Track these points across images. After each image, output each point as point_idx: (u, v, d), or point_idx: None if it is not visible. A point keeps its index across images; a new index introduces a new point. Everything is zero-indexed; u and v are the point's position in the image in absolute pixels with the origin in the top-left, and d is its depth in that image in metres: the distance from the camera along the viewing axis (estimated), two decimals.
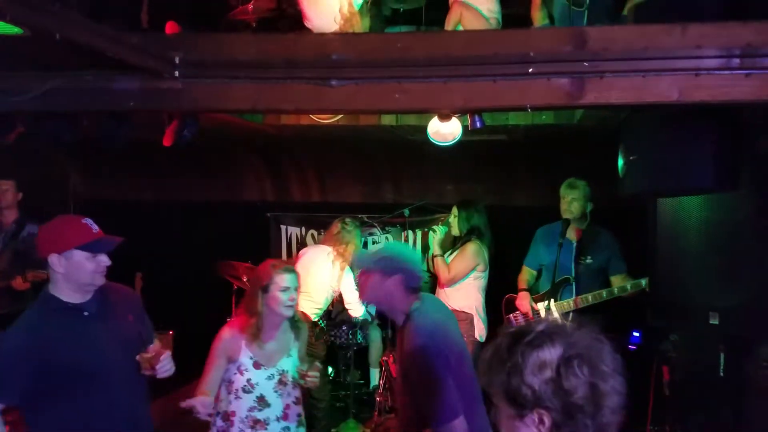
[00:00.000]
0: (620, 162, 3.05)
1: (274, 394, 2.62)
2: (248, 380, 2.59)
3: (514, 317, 4.06)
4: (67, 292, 2.13)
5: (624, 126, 3.06)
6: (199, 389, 2.58)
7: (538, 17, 3.57)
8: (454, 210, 4.31)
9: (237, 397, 2.60)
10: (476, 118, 2.89)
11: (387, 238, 5.56)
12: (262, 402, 2.60)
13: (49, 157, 5.47)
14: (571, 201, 3.81)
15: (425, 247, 5.55)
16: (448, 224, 4.33)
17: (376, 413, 4.59)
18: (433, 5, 4.09)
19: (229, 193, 6.13)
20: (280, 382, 2.64)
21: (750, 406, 2.65)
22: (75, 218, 2.16)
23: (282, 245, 5.96)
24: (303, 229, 5.90)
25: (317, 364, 2.72)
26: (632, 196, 3.08)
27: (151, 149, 3.60)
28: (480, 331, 4.15)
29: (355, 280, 4.30)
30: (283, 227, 5.96)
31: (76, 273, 2.08)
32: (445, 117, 2.99)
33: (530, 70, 2.52)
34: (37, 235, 5.13)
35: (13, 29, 2.16)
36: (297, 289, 2.65)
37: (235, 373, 2.60)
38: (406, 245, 2.41)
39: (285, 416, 2.65)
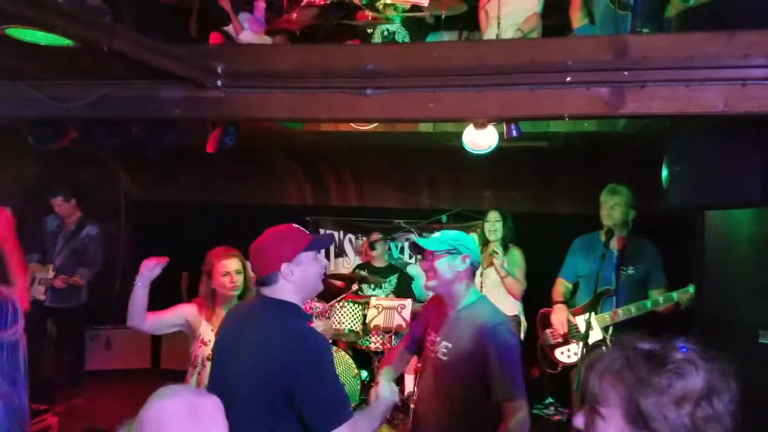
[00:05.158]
0: (664, 172, 2.94)
1: None
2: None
3: (551, 333, 3.92)
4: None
5: (668, 135, 2.96)
6: None
7: (577, 17, 3.49)
8: (497, 215, 4.34)
9: (204, 367, 2.70)
10: (512, 126, 2.85)
11: None
12: None
13: (102, 161, 5.72)
14: (613, 207, 3.67)
15: None
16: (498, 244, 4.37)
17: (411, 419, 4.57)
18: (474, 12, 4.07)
19: (270, 196, 6.26)
20: None
21: None
22: (286, 226, 2.07)
23: None
24: (341, 232, 5.96)
25: None
26: (677, 208, 2.97)
27: (197, 154, 3.72)
28: (522, 333, 4.35)
29: None
30: (321, 231, 6.04)
31: (307, 278, 1.98)
32: (480, 125, 2.96)
33: (568, 79, 2.47)
34: (94, 236, 5.29)
35: (64, 41, 2.26)
36: (240, 272, 2.79)
37: (200, 346, 2.73)
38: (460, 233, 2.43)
39: None
